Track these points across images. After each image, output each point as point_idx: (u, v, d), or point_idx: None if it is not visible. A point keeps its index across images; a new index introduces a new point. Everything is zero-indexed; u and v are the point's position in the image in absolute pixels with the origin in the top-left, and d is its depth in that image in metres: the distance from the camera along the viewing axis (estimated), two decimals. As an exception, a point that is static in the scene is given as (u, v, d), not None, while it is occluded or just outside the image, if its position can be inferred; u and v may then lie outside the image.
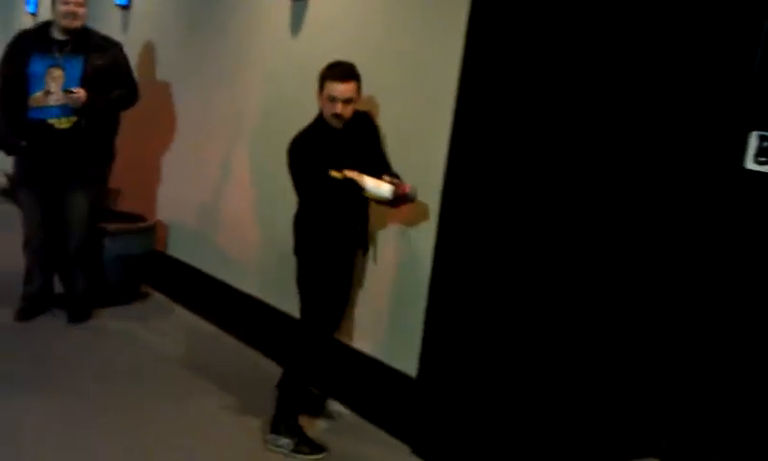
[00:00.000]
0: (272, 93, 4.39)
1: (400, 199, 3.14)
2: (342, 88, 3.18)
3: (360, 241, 3.44)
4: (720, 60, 3.39)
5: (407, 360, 3.42)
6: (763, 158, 3.31)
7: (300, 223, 3.36)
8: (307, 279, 3.35)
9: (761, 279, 3.34)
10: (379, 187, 3.12)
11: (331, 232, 3.30)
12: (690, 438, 3.51)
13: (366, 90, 3.42)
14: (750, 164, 3.35)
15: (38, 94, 4.26)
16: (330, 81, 3.18)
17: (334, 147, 3.23)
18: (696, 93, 3.39)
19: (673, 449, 3.54)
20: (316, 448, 3.30)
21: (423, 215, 3.37)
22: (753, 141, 3.34)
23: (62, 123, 4.28)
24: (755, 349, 3.34)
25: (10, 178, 6.72)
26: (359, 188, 3.09)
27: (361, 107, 3.39)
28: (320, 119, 3.28)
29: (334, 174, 3.08)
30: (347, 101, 3.19)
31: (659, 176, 3.40)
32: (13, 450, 3.07)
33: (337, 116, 3.20)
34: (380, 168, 3.29)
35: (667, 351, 3.55)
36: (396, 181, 3.16)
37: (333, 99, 3.17)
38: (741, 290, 3.39)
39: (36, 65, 4.29)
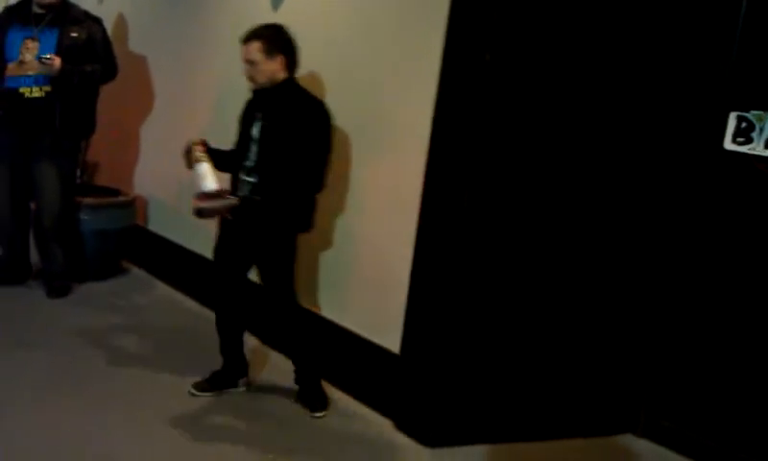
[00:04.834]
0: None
1: (211, 199, 3.17)
2: (243, 50, 3.29)
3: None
4: (699, 41, 3.42)
5: (390, 336, 3.44)
6: (742, 139, 3.36)
7: None
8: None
9: (740, 257, 3.41)
10: (204, 178, 3.18)
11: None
12: (668, 414, 3.59)
13: (346, 66, 3.43)
14: (729, 145, 3.40)
15: (12, 64, 4.30)
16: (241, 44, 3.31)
17: (251, 107, 3.40)
18: (675, 74, 3.42)
19: (650, 425, 3.62)
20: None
21: (407, 194, 3.36)
22: (731, 122, 3.39)
23: (34, 92, 4.29)
24: (733, 326, 3.42)
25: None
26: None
27: (337, 84, 3.48)
28: None
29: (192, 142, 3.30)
30: (248, 62, 3.28)
31: (637, 158, 3.44)
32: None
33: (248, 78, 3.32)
34: (283, 159, 3.23)
35: (646, 327, 3.62)
36: (225, 190, 3.24)
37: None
38: (721, 268, 3.46)
39: (14, 37, 4.33)
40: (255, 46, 3.25)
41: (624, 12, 3.26)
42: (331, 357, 3.79)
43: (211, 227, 4.64)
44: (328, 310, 3.80)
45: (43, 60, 4.21)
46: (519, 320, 3.36)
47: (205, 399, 3.50)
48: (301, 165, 3.23)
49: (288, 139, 3.23)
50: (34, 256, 4.74)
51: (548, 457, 3.39)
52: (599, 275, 3.48)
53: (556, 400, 3.52)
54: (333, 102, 3.77)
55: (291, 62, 3.34)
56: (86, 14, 4.55)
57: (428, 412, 3.30)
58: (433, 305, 3.27)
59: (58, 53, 4.28)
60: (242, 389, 3.60)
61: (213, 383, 3.55)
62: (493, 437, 3.39)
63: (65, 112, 4.37)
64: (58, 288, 4.59)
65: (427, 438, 3.29)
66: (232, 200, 3.22)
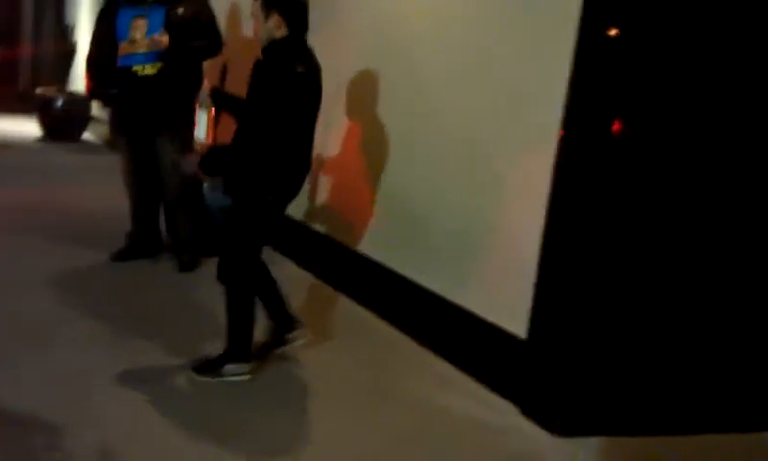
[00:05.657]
0: (373, 44, 4.39)
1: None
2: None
3: None
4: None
5: (517, 321, 3.38)
6: None
7: None
8: None
9: None
10: (198, 125, 3.29)
11: None
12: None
13: (480, 48, 3.40)
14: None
15: (124, 43, 4.47)
16: None
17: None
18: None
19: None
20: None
21: (536, 180, 3.29)
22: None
23: (146, 69, 4.46)
24: None
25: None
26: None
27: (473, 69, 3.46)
28: None
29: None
30: (253, 17, 3.26)
31: (757, 163, 3.27)
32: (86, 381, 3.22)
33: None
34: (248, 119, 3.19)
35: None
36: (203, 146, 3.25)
37: None
38: None
39: (123, 17, 4.51)
40: (258, 3, 3.22)
41: (744, 23, 3.12)
42: (456, 340, 3.77)
43: (335, 205, 4.75)
44: (454, 293, 3.77)
45: (154, 37, 4.38)
46: (656, 310, 3.24)
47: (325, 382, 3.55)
48: (252, 128, 3.14)
49: (253, 99, 3.18)
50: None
51: (686, 454, 3.24)
52: (742, 268, 3.33)
53: (695, 393, 3.37)
54: (468, 86, 3.73)
55: (292, 21, 3.19)
56: None
57: (556, 399, 3.23)
58: (562, 292, 3.20)
59: (166, 30, 4.43)
60: (303, 342, 3.61)
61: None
62: (625, 429, 3.28)
63: (177, 87, 4.53)
64: (187, 262, 4.77)
65: (554, 425, 3.22)
66: (205, 148, 3.25)
